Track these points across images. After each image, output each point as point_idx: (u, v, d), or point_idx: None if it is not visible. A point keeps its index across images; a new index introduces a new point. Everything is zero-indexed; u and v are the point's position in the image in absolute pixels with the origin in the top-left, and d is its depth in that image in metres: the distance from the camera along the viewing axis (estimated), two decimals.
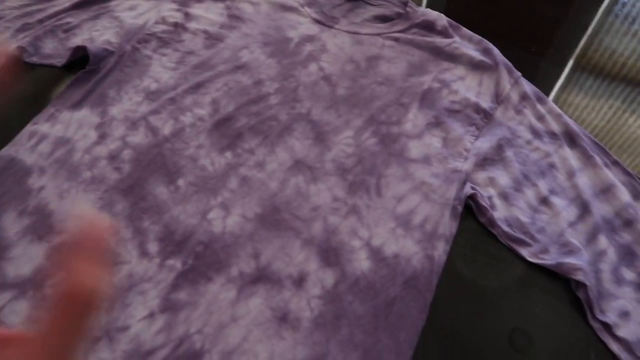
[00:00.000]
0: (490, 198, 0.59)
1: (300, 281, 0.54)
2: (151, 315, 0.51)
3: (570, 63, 0.76)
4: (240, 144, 0.64)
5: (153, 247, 0.56)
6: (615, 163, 0.62)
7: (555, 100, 0.70)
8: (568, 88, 0.73)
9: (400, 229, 0.57)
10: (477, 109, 0.66)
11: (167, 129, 0.65)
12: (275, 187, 0.60)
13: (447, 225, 0.57)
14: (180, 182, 0.61)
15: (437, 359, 0.50)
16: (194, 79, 0.70)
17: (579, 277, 0.52)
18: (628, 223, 0.57)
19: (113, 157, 0.63)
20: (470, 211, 0.59)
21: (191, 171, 0.62)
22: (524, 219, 0.58)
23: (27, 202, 0.59)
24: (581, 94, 0.72)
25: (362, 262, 0.55)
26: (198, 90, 0.69)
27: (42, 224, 0.58)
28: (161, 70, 0.71)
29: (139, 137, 0.65)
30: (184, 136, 0.64)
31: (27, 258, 0.55)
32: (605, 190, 0.59)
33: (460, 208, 0.58)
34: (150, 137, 0.65)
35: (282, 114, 0.66)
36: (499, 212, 0.58)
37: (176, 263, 0.55)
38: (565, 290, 0.54)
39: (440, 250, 0.55)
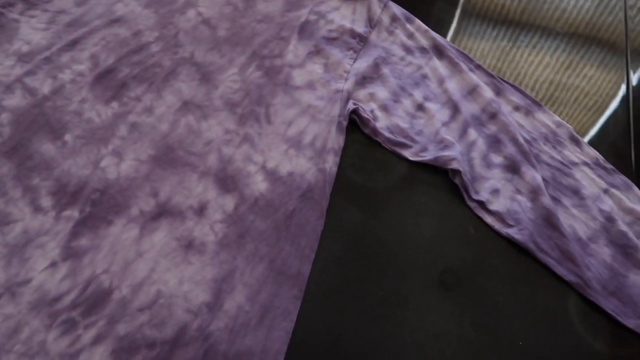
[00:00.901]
0: (372, 111, 0.63)
1: (201, 210, 0.55)
2: (53, 265, 0.51)
3: (458, 11, 0.80)
4: (126, 93, 0.63)
5: (46, 201, 0.55)
6: (479, 67, 0.68)
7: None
8: (459, 34, 0.77)
9: (293, 150, 0.60)
10: (353, 34, 0.70)
11: (46, 88, 0.63)
12: (166, 128, 0.61)
13: (335, 140, 0.61)
14: (67, 137, 0.60)
15: (337, 257, 0.54)
16: (68, 36, 0.68)
17: (454, 165, 0.58)
18: (492, 116, 0.63)
19: None
20: (355, 125, 0.63)
21: (77, 125, 0.61)
22: (404, 125, 0.63)
23: None
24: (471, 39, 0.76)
25: (259, 184, 0.57)
26: (74, 47, 0.67)
27: None
28: (31, 31, 0.69)
29: (16, 100, 0.62)
30: (64, 93, 0.63)
31: None
32: (472, 91, 0.65)
33: (345, 123, 0.62)
34: (28, 98, 0.62)
35: (165, 60, 0.67)
36: (381, 122, 0.62)
37: (73, 213, 0.54)
38: (444, 180, 0.59)
39: (331, 163, 0.59)
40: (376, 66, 0.68)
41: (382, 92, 0.65)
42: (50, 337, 0.47)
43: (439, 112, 0.64)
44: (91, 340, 0.47)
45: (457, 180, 0.58)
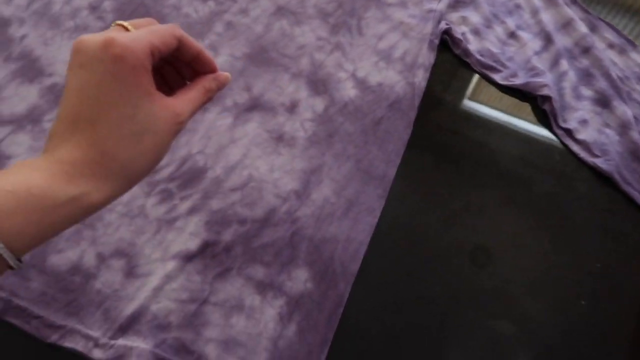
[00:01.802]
0: (463, 34, 0.63)
1: (292, 107, 0.57)
2: None
3: None
4: None
5: None
6: (574, 2, 0.67)
7: None
8: None
9: (383, 62, 0.61)
10: None
11: None
12: (261, 30, 0.62)
13: (426, 56, 0.61)
14: None
15: (422, 166, 0.55)
16: None
17: (545, 92, 0.58)
18: (586, 50, 0.62)
19: (94, 8, 0.63)
20: (446, 46, 0.63)
21: (175, 18, 0.62)
22: (495, 49, 0.62)
23: (10, 49, 0.59)
24: None
25: (349, 91, 0.58)
26: None
27: (30, 68, 0.58)
28: None
29: None
30: None
31: (20, 98, 0.56)
32: (566, 25, 0.64)
33: (436, 42, 0.62)
34: None
35: None
36: (472, 45, 0.62)
37: None
38: (532, 106, 0.59)
39: (420, 77, 0.60)
40: None
41: (474, 17, 0.65)
42: (149, 203, 0.50)
43: (531, 41, 0.63)
44: (187, 210, 0.50)
45: (546, 107, 0.58)
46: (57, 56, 0.59)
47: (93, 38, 0.28)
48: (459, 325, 0.46)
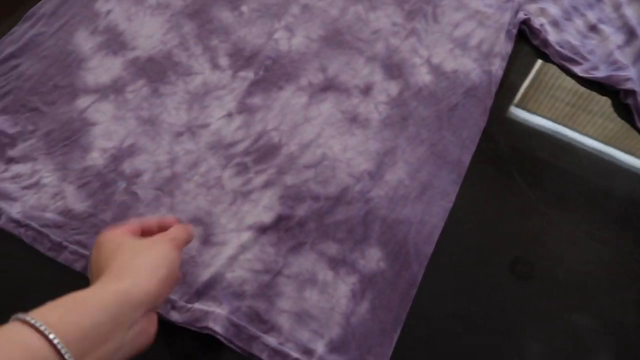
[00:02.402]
0: (542, 25, 0.62)
1: (367, 90, 0.57)
2: (229, 115, 0.55)
3: None
4: None
5: (224, 61, 0.59)
6: None
7: None
8: None
9: (458, 50, 0.60)
10: None
11: None
12: (336, 13, 0.63)
13: (503, 45, 0.60)
14: (244, 8, 0.63)
15: (497, 155, 0.54)
16: None
17: (629, 85, 0.56)
18: None
19: None
20: (523, 36, 0.62)
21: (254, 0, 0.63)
22: (575, 42, 0.61)
23: (97, 23, 0.61)
24: None
25: (423, 76, 0.58)
26: None
27: (114, 41, 0.60)
28: None
29: None
30: None
31: (104, 69, 0.58)
32: None
33: (514, 31, 0.61)
34: None
35: None
36: (552, 36, 0.61)
37: (248, 74, 0.58)
38: (612, 101, 0.58)
39: (497, 66, 0.59)
40: None
41: (553, 9, 0.63)
42: (226, 174, 0.51)
43: (613, 34, 0.61)
44: (262, 184, 0.51)
45: (629, 101, 0.56)
46: (140, 31, 0.61)
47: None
48: (533, 313, 0.45)
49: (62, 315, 0.28)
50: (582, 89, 0.59)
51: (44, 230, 0.47)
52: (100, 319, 0.29)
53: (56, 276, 0.46)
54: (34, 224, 0.47)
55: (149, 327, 0.34)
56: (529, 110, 0.57)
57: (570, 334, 0.44)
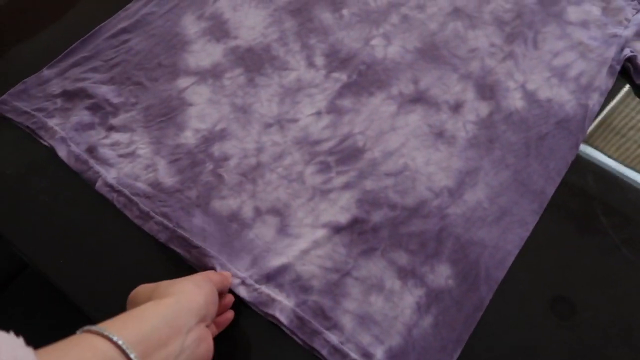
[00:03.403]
0: None
1: (456, 107, 0.57)
2: (318, 114, 0.56)
3: None
4: None
5: (319, 60, 0.60)
6: None
7: None
8: None
9: (555, 79, 0.59)
10: None
11: None
12: (435, 27, 0.63)
13: (604, 80, 0.58)
14: (345, 11, 0.64)
15: (584, 191, 0.52)
16: None
17: None
18: None
19: None
20: (627, 74, 0.60)
21: (355, 4, 0.65)
22: None
23: (204, 9, 0.64)
24: None
25: (516, 101, 0.57)
26: None
27: (218, 29, 0.63)
28: None
29: None
30: None
31: (206, 54, 0.61)
32: None
33: (617, 67, 0.59)
34: None
35: None
36: None
37: (341, 76, 0.59)
38: None
39: (595, 101, 0.57)
40: None
41: None
42: (308, 170, 0.52)
43: None
44: (341, 185, 0.52)
45: None
46: (243, 22, 0.63)
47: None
48: (601, 354, 0.44)
49: (124, 322, 0.32)
50: None
51: (135, 198, 0.50)
52: (157, 324, 0.33)
53: (141, 242, 0.49)
54: (126, 191, 0.51)
55: (208, 337, 0.37)
56: (620, 151, 0.55)
57: None
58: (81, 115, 0.55)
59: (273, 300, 0.45)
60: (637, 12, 0.64)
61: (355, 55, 0.60)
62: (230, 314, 0.44)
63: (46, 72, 0.59)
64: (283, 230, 0.49)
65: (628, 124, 0.57)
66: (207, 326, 0.39)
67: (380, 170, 0.53)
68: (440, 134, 0.55)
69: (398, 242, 0.49)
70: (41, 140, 0.55)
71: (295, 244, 0.49)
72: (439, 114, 0.56)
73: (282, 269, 0.47)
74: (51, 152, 0.54)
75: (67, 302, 0.47)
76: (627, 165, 0.55)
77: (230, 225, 0.49)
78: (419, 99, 0.57)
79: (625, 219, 0.51)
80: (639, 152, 0.55)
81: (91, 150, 0.53)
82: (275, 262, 0.47)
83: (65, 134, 0.54)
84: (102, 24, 0.63)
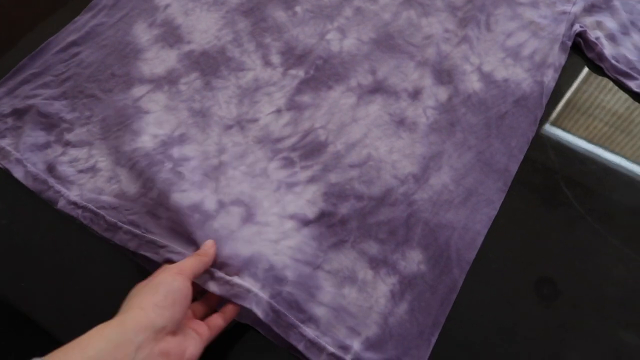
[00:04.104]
0: (597, 39, 0.61)
1: (415, 94, 0.57)
2: (278, 111, 0.56)
3: None
4: None
5: (276, 58, 0.60)
6: None
7: None
8: None
9: (510, 59, 0.60)
10: None
11: None
12: (389, 17, 0.63)
13: (557, 57, 0.59)
14: (298, 8, 0.64)
15: (545, 166, 0.53)
16: None
17: None
18: None
19: None
20: (578, 49, 0.61)
21: (307, 0, 0.64)
22: (632, 57, 0.60)
23: (155, 16, 0.63)
24: None
25: (473, 83, 0.58)
26: None
27: (171, 34, 0.62)
28: None
29: None
30: None
31: (160, 60, 0.60)
32: None
33: (569, 43, 0.61)
34: None
35: None
36: (607, 50, 0.60)
37: (298, 72, 0.58)
38: None
39: (550, 77, 0.58)
40: None
41: (610, 23, 0.62)
42: (271, 166, 0.52)
43: None
44: (306, 179, 0.51)
45: None
46: (196, 25, 0.62)
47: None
48: (575, 327, 0.44)
49: (66, 352, 0.32)
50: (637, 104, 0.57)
51: (101, 211, 0.49)
52: (102, 348, 0.32)
53: (111, 254, 0.47)
54: (91, 206, 0.49)
55: (172, 349, 0.36)
56: (578, 125, 0.56)
57: (615, 352, 0.43)
58: (35, 135, 0.54)
59: (248, 291, 0.43)
60: None
61: (311, 51, 0.60)
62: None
63: None
64: (249, 218, 0.48)
65: (594, 103, 0.58)
66: (175, 333, 0.37)
67: (344, 162, 0.52)
68: (401, 122, 0.55)
69: (367, 232, 0.48)
70: None
71: (264, 232, 0.47)
72: (399, 102, 0.56)
73: (255, 258, 0.44)
74: (5, 173, 0.52)
75: (31, 325, 0.45)
76: (588, 141, 0.55)
77: (192, 216, 0.47)
78: (378, 89, 0.57)
79: (587, 190, 0.52)
80: (599, 128, 0.56)
81: (50, 169, 0.52)
82: (245, 251, 0.45)
83: (20, 155, 0.52)
84: (50, 38, 0.61)
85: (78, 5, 0.64)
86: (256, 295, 0.42)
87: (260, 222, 0.48)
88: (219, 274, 0.43)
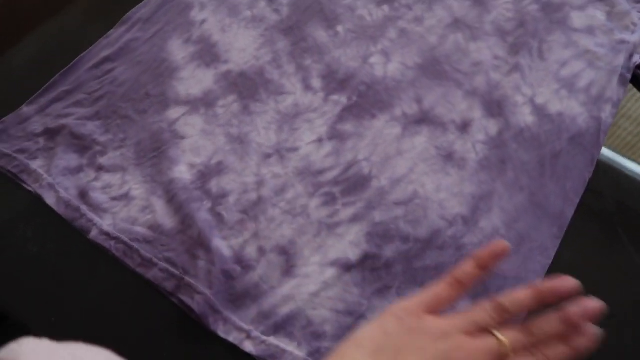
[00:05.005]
0: None
1: (464, 126, 0.54)
2: (319, 141, 0.53)
3: None
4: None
5: (317, 82, 0.57)
6: None
7: None
8: None
9: (565, 91, 0.56)
10: None
11: None
12: (435, 41, 0.60)
13: (615, 90, 0.56)
14: (339, 28, 0.61)
15: (599, 210, 0.50)
16: None
17: None
18: None
19: (271, 0, 0.63)
20: (637, 82, 0.58)
21: (349, 19, 0.62)
22: None
23: (191, 32, 0.61)
24: None
25: (526, 116, 0.54)
26: None
27: (207, 52, 0.59)
28: None
29: None
30: None
31: (196, 81, 0.57)
32: None
33: (628, 76, 0.57)
34: None
35: None
36: None
37: (341, 98, 0.56)
38: None
39: (608, 113, 0.55)
40: None
41: None
42: (313, 203, 0.49)
43: None
44: (349, 217, 0.49)
45: None
46: (234, 44, 0.60)
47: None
48: None
49: None
50: None
51: (135, 244, 0.47)
52: None
53: (140, 293, 0.45)
54: (124, 238, 0.47)
55: None
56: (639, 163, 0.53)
57: None
58: (67, 158, 0.52)
59: (283, 351, 0.42)
60: None
61: (354, 75, 0.57)
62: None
63: (26, 109, 0.55)
64: (290, 271, 0.46)
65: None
66: None
67: (388, 199, 0.50)
68: (449, 157, 0.52)
69: (413, 277, 0.46)
70: (25, 185, 0.51)
71: (303, 285, 0.45)
72: (446, 135, 0.53)
73: (292, 316, 0.44)
74: (37, 197, 0.50)
75: None
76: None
77: (235, 269, 0.46)
78: (424, 119, 0.54)
79: None
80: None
81: (82, 195, 0.50)
82: (284, 308, 0.44)
83: (53, 179, 0.50)
84: (83, 53, 0.59)
85: None
86: (292, 354, 0.41)
87: (300, 274, 0.46)
88: (255, 333, 0.42)
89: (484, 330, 0.31)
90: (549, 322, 0.31)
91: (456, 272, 0.33)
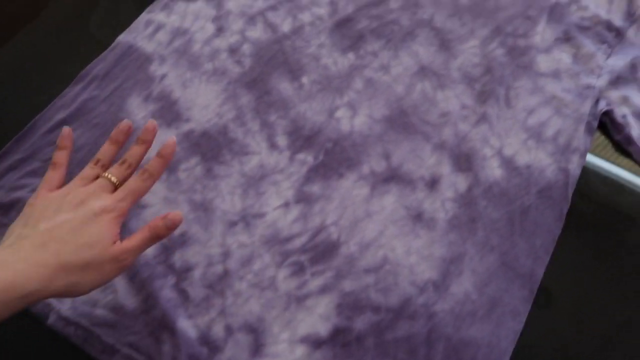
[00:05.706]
0: (624, 116, 0.57)
1: (433, 183, 0.53)
2: (286, 205, 0.52)
3: None
4: (363, 46, 0.62)
5: (282, 140, 0.55)
6: None
7: None
8: None
9: (532, 141, 0.56)
10: (609, 26, 0.63)
11: (286, 27, 0.63)
12: (402, 90, 0.59)
13: (582, 140, 0.55)
14: (304, 79, 0.60)
15: (575, 265, 0.50)
16: None
17: None
18: None
19: (233, 51, 0.61)
20: (604, 129, 0.58)
21: (314, 70, 0.60)
22: None
23: (150, 89, 0.59)
24: None
25: (494, 170, 0.54)
26: None
27: (168, 111, 0.57)
28: None
29: (257, 33, 0.63)
30: (304, 34, 0.63)
31: (158, 143, 0.55)
32: None
33: (594, 123, 0.57)
34: (269, 33, 0.63)
35: (404, 19, 0.64)
36: (635, 131, 0.56)
37: (307, 157, 0.54)
38: None
39: (575, 164, 0.54)
40: (633, 67, 0.61)
41: (637, 98, 0.58)
42: (281, 274, 0.48)
43: None
44: (318, 288, 0.48)
45: None
46: (195, 100, 0.58)
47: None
48: None
49: None
50: None
51: (96, 329, 0.45)
52: None
53: None
54: (84, 322, 0.45)
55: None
56: (607, 218, 0.53)
57: None
58: None
59: None
60: (608, 57, 0.61)
61: (320, 131, 0.56)
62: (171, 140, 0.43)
63: None
64: (258, 350, 0.45)
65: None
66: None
67: (358, 266, 0.49)
68: (418, 217, 0.51)
69: (385, 351, 0.45)
70: None
71: None
72: (415, 193, 0.52)
73: None
74: None
75: None
76: None
77: (201, 352, 0.45)
78: (393, 176, 0.53)
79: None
80: None
81: None
82: None
83: None
84: (37, 116, 0.56)
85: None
86: None
87: (269, 353, 0.44)
88: None
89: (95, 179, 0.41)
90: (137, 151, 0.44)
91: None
